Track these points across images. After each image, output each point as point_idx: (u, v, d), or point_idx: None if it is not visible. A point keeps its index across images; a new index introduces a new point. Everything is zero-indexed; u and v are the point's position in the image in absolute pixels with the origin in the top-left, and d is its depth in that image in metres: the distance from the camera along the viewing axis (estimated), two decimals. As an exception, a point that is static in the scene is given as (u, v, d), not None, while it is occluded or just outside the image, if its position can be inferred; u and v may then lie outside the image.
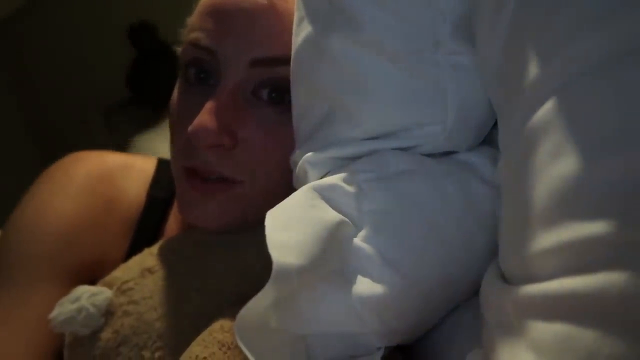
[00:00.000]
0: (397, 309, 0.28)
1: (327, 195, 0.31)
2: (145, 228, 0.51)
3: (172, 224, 0.53)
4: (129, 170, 0.53)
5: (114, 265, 0.44)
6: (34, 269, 0.45)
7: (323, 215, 0.29)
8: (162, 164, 0.55)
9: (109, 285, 0.42)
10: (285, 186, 0.42)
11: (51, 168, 0.52)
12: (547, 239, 0.21)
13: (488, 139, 0.37)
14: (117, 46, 3.34)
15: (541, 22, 0.25)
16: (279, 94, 0.41)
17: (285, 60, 0.39)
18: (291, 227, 0.27)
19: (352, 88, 0.34)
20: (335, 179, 0.32)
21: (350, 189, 0.31)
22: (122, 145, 1.74)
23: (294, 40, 0.38)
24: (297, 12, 0.38)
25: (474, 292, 0.31)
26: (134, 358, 0.38)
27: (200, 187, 0.42)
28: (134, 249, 0.48)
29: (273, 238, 0.26)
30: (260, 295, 0.24)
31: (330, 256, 0.28)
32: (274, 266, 0.24)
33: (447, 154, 0.35)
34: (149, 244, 0.47)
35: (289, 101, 0.40)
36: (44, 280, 0.45)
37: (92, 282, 0.43)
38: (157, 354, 0.38)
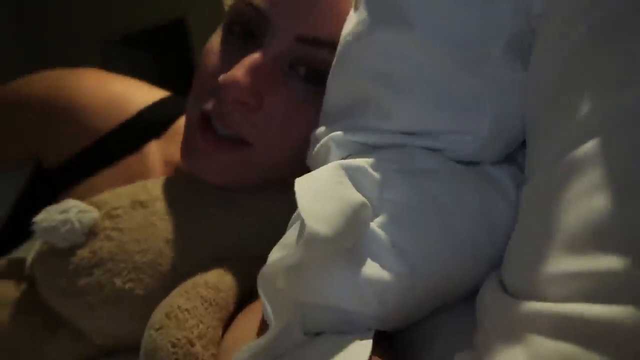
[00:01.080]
0: (398, 298, 0.29)
1: (353, 176, 0.32)
2: (121, 134, 0.53)
3: (160, 162, 0.53)
4: (144, 90, 0.57)
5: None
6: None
7: (349, 194, 0.30)
8: (173, 97, 0.56)
9: (97, 207, 0.42)
10: (292, 162, 0.43)
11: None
12: (569, 264, 0.23)
13: (508, 156, 0.38)
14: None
15: (603, 59, 0.26)
16: (315, 75, 0.41)
17: (330, 45, 0.39)
18: (320, 198, 0.28)
19: (393, 82, 0.34)
20: (363, 162, 0.33)
21: (375, 175, 0.32)
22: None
23: (346, 24, 0.38)
24: None
25: (466, 296, 0.33)
26: (104, 282, 0.39)
27: (211, 140, 0.42)
28: (95, 148, 0.53)
29: (305, 205, 0.27)
30: (287, 254, 0.25)
31: (350, 234, 0.28)
32: (307, 230, 0.25)
33: (469, 162, 0.36)
34: (115, 153, 0.51)
35: (323, 83, 0.40)
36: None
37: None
38: (128, 285, 0.39)
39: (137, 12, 3.28)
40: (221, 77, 0.39)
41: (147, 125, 0.55)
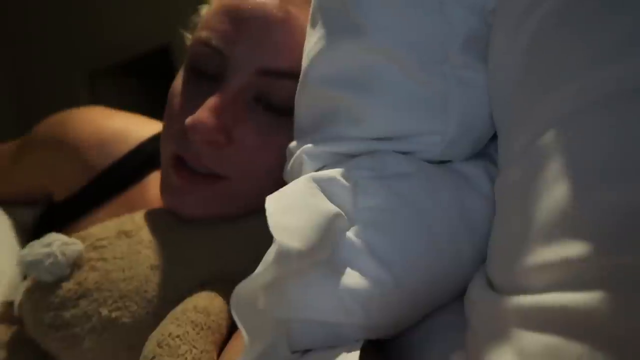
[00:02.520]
0: (382, 304, 0.29)
1: (325, 187, 0.32)
2: (124, 165, 0.55)
3: (152, 194, 0.54)
4: (145, 123, 0.60)
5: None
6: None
7: (321, 205, 0.30)
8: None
9: (83, 240, 0.42)
10: (268, 188, 0.43)
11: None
12: (544, 254, 0.23)
13: (481, 151, 0.38)
14: (107, 9, 3.30)
15: (559, 49, 0.26)
16: (280, 105, 0.42)
17: (292, 75, 0.40)
18: (291, 213, 0.28)
19: (359, 89, 0.35)
20: (334, 172, 0.33)
21: (347, 183, 0.32)
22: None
23: (307, 42, 0.39)
24: (312, 15, 0.39)
25: (455, 297, 0.33)
26: (91, 312, 0.39)
27: (187, 176, 0.43)
28: (96, 183, 0.54)
29: (275, 220, 0.27)
30: (259, 272, 0.25)
31: (324, 246, 0.29)
32: (277, 247, 0.25)
33: (442, 162, 0.36)
34: (117, 186, 0.52)
35: (290, 112, 0.41)
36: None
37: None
38: (114, 314, 0.39)
39: (121, 41, 3.30)
40: (187, 120, 0.40)
41: (147, 157, 0.56)
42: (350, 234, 0.31)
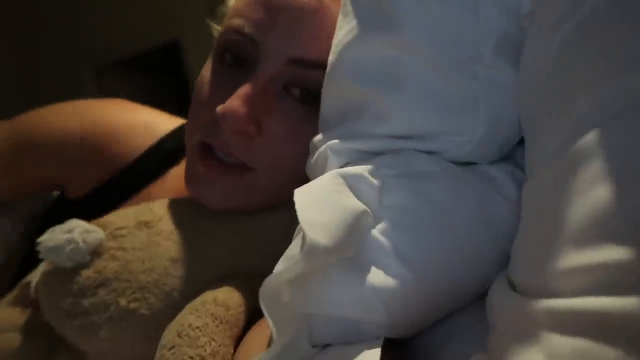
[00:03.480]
0: (405, 303, 0.29)
1: (351, 184, 0.32)
2: (146, 161, 0.55)
3: (174, 184, 0.54)
4: (168, 118, 0.60)
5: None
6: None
7: (348, 202, 0.30)
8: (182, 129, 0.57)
9: (102, 227, 0.42)
10: (293, 183, 0.43)
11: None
12: (578, 258, 0.23)
13: (507, 155, 0.38)
14: (116, 3, 3.31)
15: (595, 51, 0.26)
16: (309, 96, 0.42)
17: (322, 66, 0.40)
18: (319, 208, 0.28)
19: (387, 86, 0.35)
20: (361, 169, 0.33)
21: (374, 181, 0.32)
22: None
23: (336, 34, 0.39)
24: (343, 7, 0.39)
25: (474, 299, 0.33)
26: (109, 302, 0.39)
27: (214, 167, 0.43)
28: (119, 180, 0.53)
29: (304, 215, 0.27)
30: (287, 267, 0.25)
31: (350, 243, 0.29)
32: (307, 241, 0.25)
33: (467, 163, 0.36)
34: (137, 180, 0.50)
35: (318, 103, 0.41)
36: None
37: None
38: (132, 305, 0.39)
39: (131, 36, 3.31)
40: (219, 109, 0.40)
41: (167, 152, 0.56)
42: (375, 232, 0.31)
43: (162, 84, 3.82)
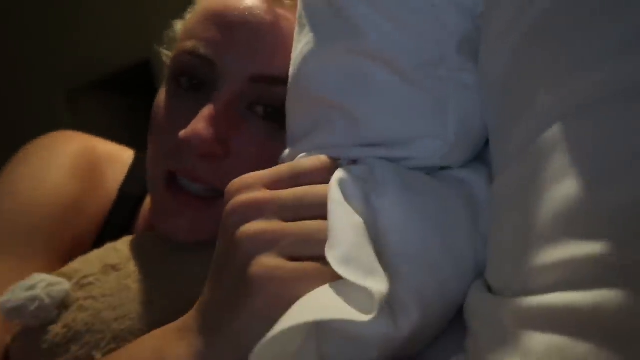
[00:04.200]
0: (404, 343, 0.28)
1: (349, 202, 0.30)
2: (113, 224, 0.50)
3: (141, 223, 0.51)
4: (114, 162, 0.53)
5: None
6: (32, 241, 0.44)
7: (362, 224, 0.28)
8: (138, 159, 0.54)
9: (67, 277, 0.40)
10: None
11: (42, 140, 0.51)
12: (548, 255, 0.23)
13: (477, 156, 0.37)
14: (84, 25, 3.27)
15: (554, 47, 0.26)
16: (274, 112, 0.41)
17: (284, 80, 0.39)
18: (353, 256, 0.26)
19: (352, 94, 0.34)
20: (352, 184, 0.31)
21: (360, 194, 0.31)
22: (85, 130, 1.69)
23: (294, 48, 0.38)
24: (299, 20, 0.38)
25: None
26: (83, 357, 0.36)
27: (181, 199, 0.41)
28: (97, 244, 0.46)
29: (359, 278, 0.25)
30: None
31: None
32: (378, 298, 0.24)
33: (440, 169, 0.35)
34: (114, 240, 0.45)
35: (282, 119, 0.40)
36: (39, 254, 0.43)
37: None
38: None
39: (99, 57, 3.26)
40: (182, 133, 0.39)
41: (130, 201, 0.53)
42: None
43: (136, 103, 3.78)
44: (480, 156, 0.37)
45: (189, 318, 0.32)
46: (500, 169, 0.30)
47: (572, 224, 0.22)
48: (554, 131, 0.24)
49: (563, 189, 0.23)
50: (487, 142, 0.36)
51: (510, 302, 0.24)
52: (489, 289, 0.28)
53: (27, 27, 3.37)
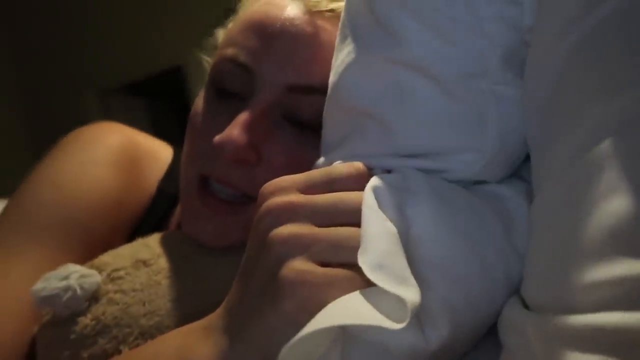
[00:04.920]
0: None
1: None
2: (149, 221, 0.51)
3: (174, 221, 0.52)
4: (155, 159, 0.53)
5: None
6: (70, 233, 0.44)
7: (395, 232, 0.28)
8: (177, 157, 0.55)
9: (98, 270, 0.40)
10: None
11: (85, 131, 0.51)
12: (595, 272, 0.22)
13: (515, 173, 0.37)
14: (121, 30, 3.37)
15: (615, 58, 0.25)
16: (308, 121, 0.41)
17: (322, 90, 0.39)
18: (385, 263, 0.26)
19: (390, 104, 0.34)
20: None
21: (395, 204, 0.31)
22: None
23: (335, 57, 0.38)
24: (341, 30, 0.38)
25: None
26: (110, 350, 0.36)
27: (211, 204, 0.41)
28: (131, 240, 0.47)
29: (392, 286, 0.25)
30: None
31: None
32: (410, 308, 0.24)
33: (476, 183, 0.35)
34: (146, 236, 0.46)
35: (318, 129, 0.40)
36: (75, 246, 0.44)
37: None
38: (135, 352, 0.36)
39: (134, 61, 3.34)
40: (217, 138, 0.39)
41: (167, 199, 0.53)
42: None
43: (165, 109, 3.85)
44: (519, 172, 0.37)
45: (215, 317, 0.32)
46: (543, 184, 0.29)
47: (623, 241, 0.21)
48: (605, 146, 0.24)
49: (613, 205, 0.22)
50: (525, 159, 0.36)
51: (550, 319, 0.23)
52: (525, 306, 0.27)
53: (67, 27, 3.49)
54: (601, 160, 0.24)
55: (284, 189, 0.31)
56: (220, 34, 0.48)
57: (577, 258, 0.23)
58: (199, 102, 0.45)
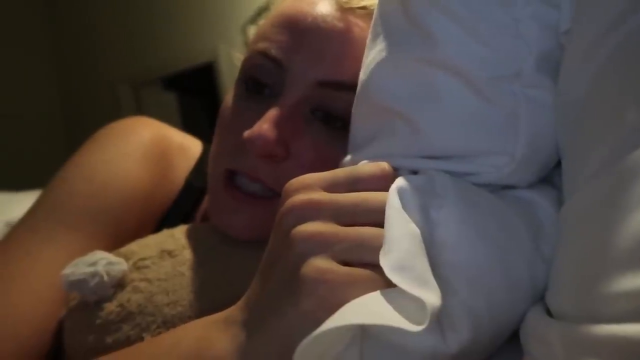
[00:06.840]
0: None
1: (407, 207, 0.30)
2: (176, 213, 0.52)
3: (200, 214, 0.52)
4: (184, 153, 0.54)
5: None
6: (100, 222, 0.45)
7: (418, 234, 0.28)
8: (206, 151, 0.56)
9: (124, 258, 0.41)
10: None
11: (118, 125, 0.53)
12: (625, 282, 0.21)
13: (544, 178, 0.36)
14: (155, 25, 3.44)
15: None
16: (337, 118, 0.41)
17: (351, 87, 0.39)
18: (407, 265, 0.26)
19: (420, 104, 0.33)
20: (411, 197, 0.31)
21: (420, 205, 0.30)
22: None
23: (366, 55, 0.38)
24: (373, 27, 0.38)
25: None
26: (133, 337, 0.37)
27: (238, 196, 0.42)
28: (157, 231, 0.48)
29: (413, 288, 0.25)
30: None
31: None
32: (430, 310, 0.24)
33: (504, 187, 0.34)
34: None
35: (346, 126, 0.40)
36: (104, 235, 0.45)
37: None
38: (157, 340, 0.37)
39: (168, 56, 3.41)
40: (246, 133, 0.40)
41: (195, 192, 0.54)
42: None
43: (196, 104, 3.91)
44: (549, 179, 0.36)
45: (235, 310, 0.32)
46: (574, 190, 0.28)
47: None
48: None
49: None
50: (556, 165, 0.35)
51: (574, 328, 0.23)
52: (549, 314, 0.27)
53: (104, 22, 3.59)
54: (636, 168, 0.23)
55: (308, 187, 0.31)
56: (252, 31, 0.49)
57: (605, 267, 0.23)
58: (229, 98, 0.46)
